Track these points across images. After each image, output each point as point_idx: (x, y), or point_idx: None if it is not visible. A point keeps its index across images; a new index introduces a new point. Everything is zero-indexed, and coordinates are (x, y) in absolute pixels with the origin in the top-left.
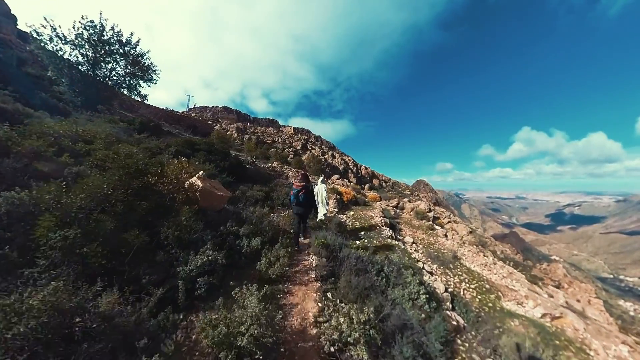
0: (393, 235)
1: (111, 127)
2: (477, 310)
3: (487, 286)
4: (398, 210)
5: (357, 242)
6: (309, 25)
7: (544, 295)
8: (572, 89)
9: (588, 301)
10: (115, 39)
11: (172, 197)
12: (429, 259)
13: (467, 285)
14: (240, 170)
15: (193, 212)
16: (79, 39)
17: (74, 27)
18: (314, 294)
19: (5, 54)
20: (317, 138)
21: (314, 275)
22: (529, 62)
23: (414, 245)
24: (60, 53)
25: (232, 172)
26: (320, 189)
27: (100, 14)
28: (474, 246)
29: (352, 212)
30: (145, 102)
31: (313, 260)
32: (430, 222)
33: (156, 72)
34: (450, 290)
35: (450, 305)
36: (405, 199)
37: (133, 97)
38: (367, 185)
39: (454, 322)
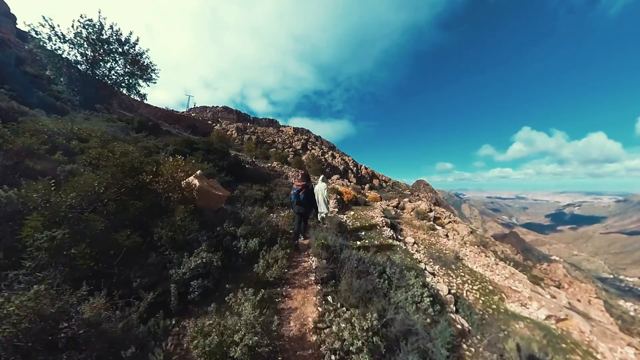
0: (394, 236)
1: (108, 125)
2: (481, 313)
3: (490, 287)
4: (398, 210)
5: (358, 242)
6: (309, 25)
7: (546, 296)
8: (572, 89)
9: (588, 301)
10: (114, 38)
11: (168, 197)
12: (431, 260)
13: (470, 286)
14: (239, 169)
15: (189, 211)
16: (78, 38)
17: (72, 26)
18: (314, 298)
19: (4, 53)
20: (317, 138)
21: (313, 278)
22: (529, 62)
23: (416, 245)
24: (59, 52)
25: (230, 171)
26: (320, 188)
27: (99, 12)
28: (476, 246)
29: (352, 212)
30: (145, 101)
31: (313, 261)
32: (431, 222)
33: (155, 71)
34: (453, 291)
35: (454, 308)
36: (406, 199)
37: (132, 96)
38: (367, 185)
39: (459, 326)
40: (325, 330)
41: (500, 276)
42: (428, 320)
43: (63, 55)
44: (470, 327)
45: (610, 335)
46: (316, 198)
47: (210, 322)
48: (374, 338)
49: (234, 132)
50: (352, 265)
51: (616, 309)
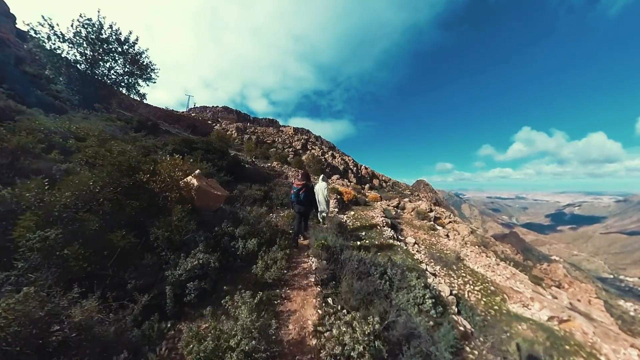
0: (394, 236)
1: (107, 125)
2: (483, 314)
3: (492, 288)
4: (399, 210)
5: (358, 242)
6: (309, 25)
7: (548, 297)
8: (572, 89)
9: (588, 301)
10: (114, 37)
11: (165, 196)
12: (432, 260)
13: (472, 287)
14: (238, 169)
15: (186, 211)
16: (77, 38)
17: (72, 26)
18: (314, 300)
19: (3, 53)
20: (317, 138)
21: (313, 279)
22: (529, 62)
23: (416, 245)
24: (58, 51)
25: (230, 171)
26: (321, 187)
27: (99, 12)
28: (476, 247)
29: (352, 212)
30: (144, 101)
31: (313, 262)
32: (432, 222)
33: (155, 70)
34: (454, 292)
35: (456, 309)
36: (406, 199)
37: (132, 96)
38: (367, 185)
39: (461, 328)
40: (325, 334)
41: (502, 277)
42: (431, 322)
43: (62, 55)
44: (472, 329)
45: (613, 336)
46: (316, 197)
47: (206, 326)
48: (375, 342)
49: (233, 132)
50: (352, 266)
51: (616, 309)
